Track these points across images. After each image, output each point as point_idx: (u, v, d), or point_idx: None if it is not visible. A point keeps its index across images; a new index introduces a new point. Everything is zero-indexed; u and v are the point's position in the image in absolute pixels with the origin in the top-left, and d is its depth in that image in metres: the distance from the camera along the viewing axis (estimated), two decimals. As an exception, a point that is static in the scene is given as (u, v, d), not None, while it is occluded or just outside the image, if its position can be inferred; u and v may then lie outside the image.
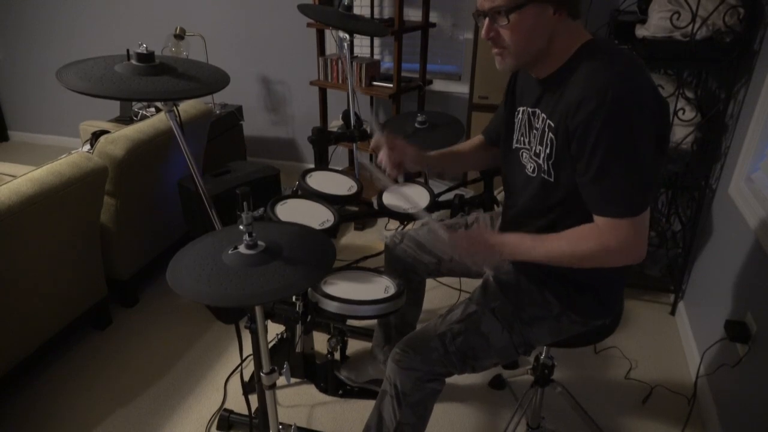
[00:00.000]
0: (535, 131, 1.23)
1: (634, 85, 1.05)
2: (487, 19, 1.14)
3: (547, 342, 1.40)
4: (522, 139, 1.30)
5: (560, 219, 1.23)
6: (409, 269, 1.68)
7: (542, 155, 1.20)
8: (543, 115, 1.20)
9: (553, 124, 1.15)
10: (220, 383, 2.05)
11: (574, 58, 1.14)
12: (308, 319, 1.42)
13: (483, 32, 1.15)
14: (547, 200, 1.23)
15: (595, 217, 1.13)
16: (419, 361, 1.31)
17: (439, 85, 3.39)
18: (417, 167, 1.51)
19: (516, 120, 1.33)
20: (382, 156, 1.47)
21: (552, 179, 1.19)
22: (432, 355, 1.31)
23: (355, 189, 1.85)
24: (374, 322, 1.93)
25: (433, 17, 3.22)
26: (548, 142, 1.17)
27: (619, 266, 1.15)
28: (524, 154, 1.29)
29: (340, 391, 1.98)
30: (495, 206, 1.97)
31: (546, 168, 1.20)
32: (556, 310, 1.31)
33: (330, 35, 3.38)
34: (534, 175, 1.24)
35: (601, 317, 1.36)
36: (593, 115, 1.05)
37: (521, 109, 1.31)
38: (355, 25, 2.21)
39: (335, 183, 1.87)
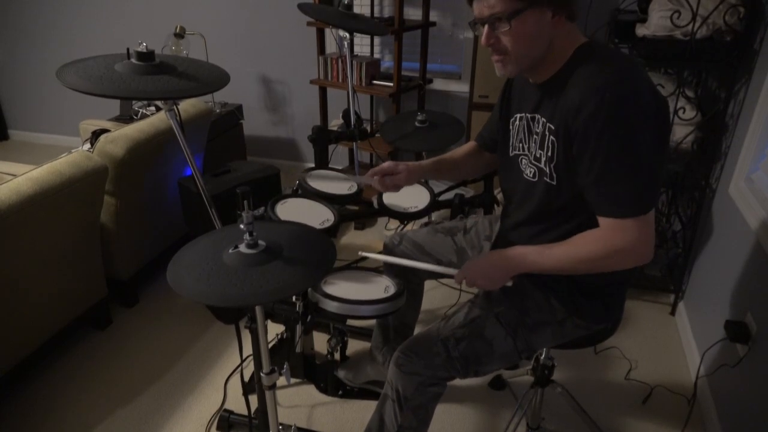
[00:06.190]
0: (535, 136, 1.23)
1: (632, 84, 1.05)
2: (486, 27, 1.13)
3: (548, 345, 1.40)
4: (520, 145, 1.30)
5: (562, 223, 1.22)
6: (407, 271, 1.67)
7: (543, 159, 1.20)
8: (543, 119, 1.19)
9: (553, 127, 1.15)
10: (220, 383, 2.04)
11: (571, 60, 1.14)
12: (308, 319, 1.42)
13: (483, 39, 1.14)
14: (551, 204, 1.22)
15: (600, 219, 1.12)
16: (422, 366, 1.30)
17: (439, 84, 3.39)
18: (414, 182, 1.53)
19: (512, 127, 1.33)
20: (376, 185, 1.48)
21: (555, 182, 1.19)
22: (435, 359, 1.30)
23: (355, 188, 1.84)
24: (374, 321, 1.93)
25: (434, 16, 3.22)
26: (549, 145, 1.17)
27: (627, 268, 1.14)
28: (523, 160, 1.29)
29: (340, 392, 1.98)
30: (495, 206, 1.97)
31: (548, 172, 1.19)
32: (560, 316, 1.30)
33: (330, 34, 3.38)
34: (535, 180, 1.24)
35: (604, 321, 1.35)
36: (593, 116, 1.05)
37: (518, 116, 1.30)
38: (355, 24, 2.21)
39: (335, 182, 1.86)
